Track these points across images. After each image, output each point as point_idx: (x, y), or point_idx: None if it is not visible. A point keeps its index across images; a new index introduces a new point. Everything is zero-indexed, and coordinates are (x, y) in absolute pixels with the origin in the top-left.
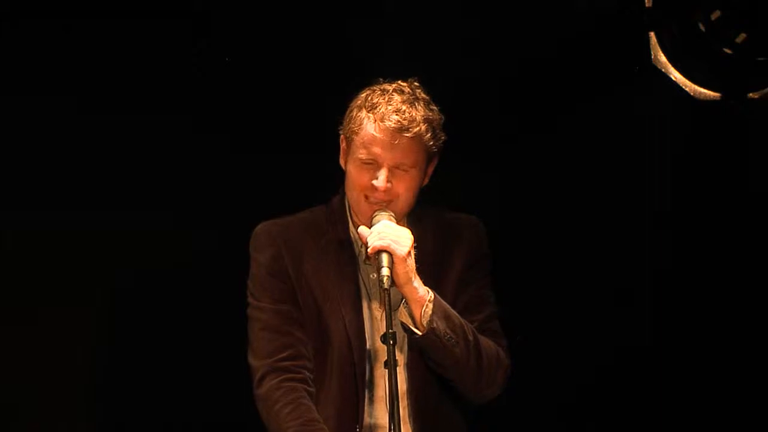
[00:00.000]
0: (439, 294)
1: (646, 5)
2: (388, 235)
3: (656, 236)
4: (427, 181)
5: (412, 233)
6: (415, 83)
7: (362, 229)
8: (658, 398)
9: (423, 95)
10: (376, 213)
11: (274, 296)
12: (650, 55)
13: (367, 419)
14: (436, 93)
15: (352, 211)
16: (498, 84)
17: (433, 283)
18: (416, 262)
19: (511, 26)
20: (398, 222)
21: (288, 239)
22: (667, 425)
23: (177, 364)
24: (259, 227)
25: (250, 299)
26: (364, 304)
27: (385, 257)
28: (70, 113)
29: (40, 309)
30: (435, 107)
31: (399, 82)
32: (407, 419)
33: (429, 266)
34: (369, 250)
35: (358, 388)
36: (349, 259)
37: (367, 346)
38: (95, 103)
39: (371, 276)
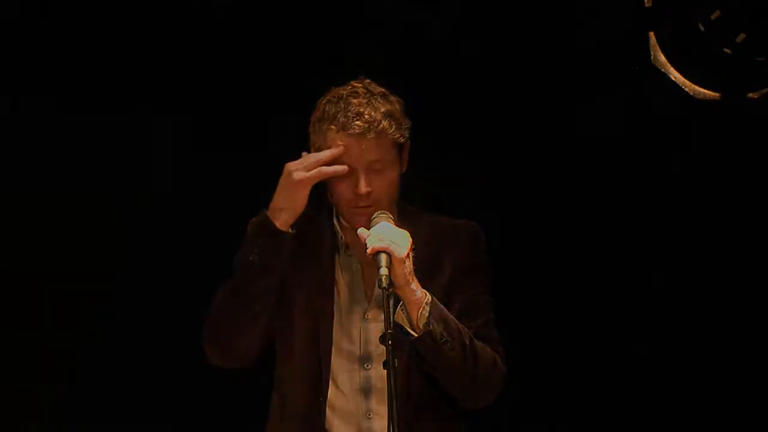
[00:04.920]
0: None
1: (646, 5)
2: (387, 237)
3: (656, 236)
4: (405, 168)
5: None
6: (367, 80)
7: (361, 231)
8: (657, 406)
9: (378, 89)
10: (375, 215)
11: None
12: (650, 55)
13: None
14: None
15: (343, 218)
16: (497, 84)
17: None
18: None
19: (511, 26)
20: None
21: None
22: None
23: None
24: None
25: None
26: (347, 306)
27: (383, 257)
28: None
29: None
30: (393, 97)
31: (352, 83)
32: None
33: (417, 269)
34: (368, 251)
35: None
36: (333, 265)
37: (358, 350)
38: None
39: (355, 267)
